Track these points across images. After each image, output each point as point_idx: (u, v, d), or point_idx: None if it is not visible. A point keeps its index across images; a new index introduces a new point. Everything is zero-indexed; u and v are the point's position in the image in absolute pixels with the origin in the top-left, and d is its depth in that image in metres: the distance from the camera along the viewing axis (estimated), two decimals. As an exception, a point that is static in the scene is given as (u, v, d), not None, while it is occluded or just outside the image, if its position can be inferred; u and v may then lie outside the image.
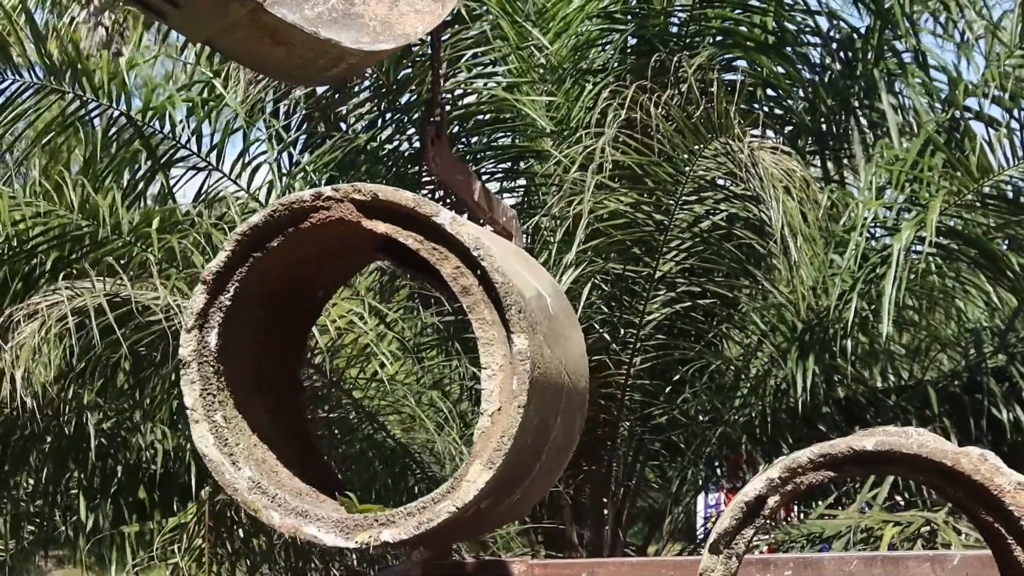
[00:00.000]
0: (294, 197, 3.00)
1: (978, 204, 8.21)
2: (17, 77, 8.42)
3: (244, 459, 3.03)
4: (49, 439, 8.07)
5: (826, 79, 9.32)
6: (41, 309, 6.88)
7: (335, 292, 3.52)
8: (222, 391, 3.07)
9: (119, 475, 8.73)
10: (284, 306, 3.26)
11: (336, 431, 8.45)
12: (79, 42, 8.56)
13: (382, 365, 8.22)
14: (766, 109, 9.18)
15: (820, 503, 8.35)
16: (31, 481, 8.71)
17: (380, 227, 2.95)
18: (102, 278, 7.11)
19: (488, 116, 8.56)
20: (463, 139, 8.79)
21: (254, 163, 8.99)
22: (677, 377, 8.67)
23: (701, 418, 8.93)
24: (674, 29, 9.01)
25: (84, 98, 8.57)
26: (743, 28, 9.08)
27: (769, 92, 9.29)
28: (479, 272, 2.90)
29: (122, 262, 7.70)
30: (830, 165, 9.34)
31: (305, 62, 3.19)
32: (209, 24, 3.23)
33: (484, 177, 8.99)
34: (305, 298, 3.34)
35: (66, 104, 8.57)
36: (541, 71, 8.50)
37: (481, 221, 3.38)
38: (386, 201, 2.94)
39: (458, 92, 8.59)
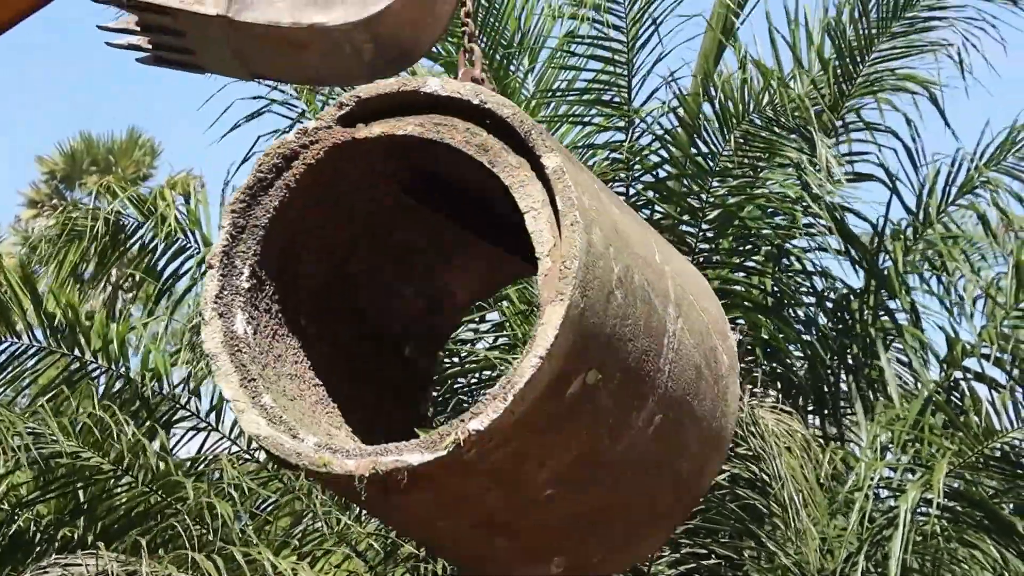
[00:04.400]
0: (278, 142, 2.82)
1: (981, 466, 8.16)
2: (15, 339, 8.42)
3: (304, 428, 2.72)
4: None
5: (823, 338, 9.35)
6: None
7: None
8: (267, 367, 2.79)
9: None
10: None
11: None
12: (76, 305, 8.54)
13: None
14: (765, 368, 9.20)
15: None
16: None
17: (375, 129, 2.75)
18: (100, 552, 6.97)
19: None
20: (474, 391, 8.81)
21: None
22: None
23: None
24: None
25: (84, 360, 8.54)
26: (739, 288, 9.16)
27: (767, 350, 9.32)
28: (488, 121, 2.69)
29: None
30: (830, 424, 9.31)
31: (335, 61, 3.06)
32: (224, 61, 3.19)
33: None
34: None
35: (66, 365, 8.52)
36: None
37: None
38: (370, 97, 2.77)
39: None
